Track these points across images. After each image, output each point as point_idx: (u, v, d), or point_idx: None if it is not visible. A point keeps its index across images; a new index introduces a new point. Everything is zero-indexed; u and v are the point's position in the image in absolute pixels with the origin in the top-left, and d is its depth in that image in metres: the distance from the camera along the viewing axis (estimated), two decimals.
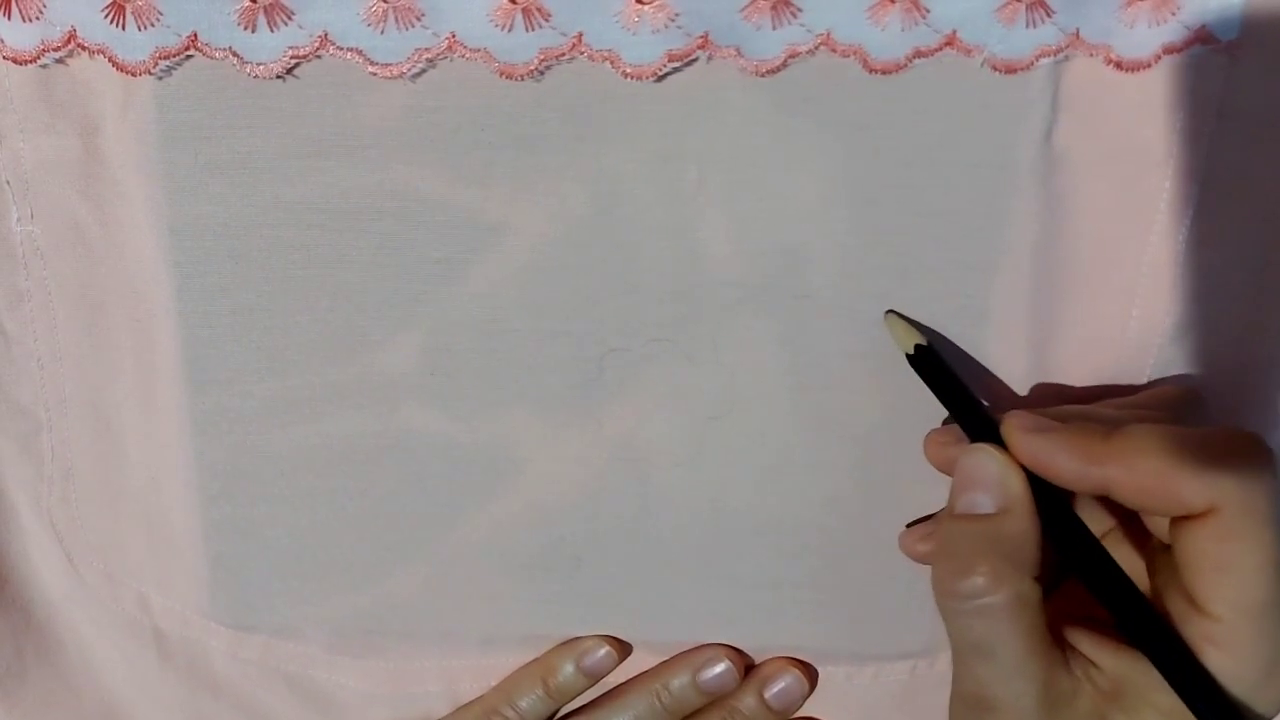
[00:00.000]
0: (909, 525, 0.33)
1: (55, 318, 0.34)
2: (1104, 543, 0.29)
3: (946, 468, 0.31)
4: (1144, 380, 0.32)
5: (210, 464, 0.34)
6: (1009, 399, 0.32)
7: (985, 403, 0.31)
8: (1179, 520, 0.26)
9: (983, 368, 0.32)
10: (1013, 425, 0.28)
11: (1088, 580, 0.28)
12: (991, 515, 0.28)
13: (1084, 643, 0.28)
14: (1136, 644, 0.27)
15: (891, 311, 0.31)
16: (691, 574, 0.35)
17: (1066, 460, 0.27)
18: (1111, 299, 0.31)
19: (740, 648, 0.37)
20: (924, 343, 0.30)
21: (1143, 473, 0.26)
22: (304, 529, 0.35)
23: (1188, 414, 0.30)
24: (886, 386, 0.32)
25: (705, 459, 0.33)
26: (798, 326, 0.32)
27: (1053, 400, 0.32)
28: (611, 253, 0.31)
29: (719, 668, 0.36)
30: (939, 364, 0.30)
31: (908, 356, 0.31)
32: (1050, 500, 0.28)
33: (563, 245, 0.31)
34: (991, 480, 0.28)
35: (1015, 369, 0.32)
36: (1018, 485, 0.28)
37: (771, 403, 0.33)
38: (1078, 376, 0.32)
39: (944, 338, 0.32)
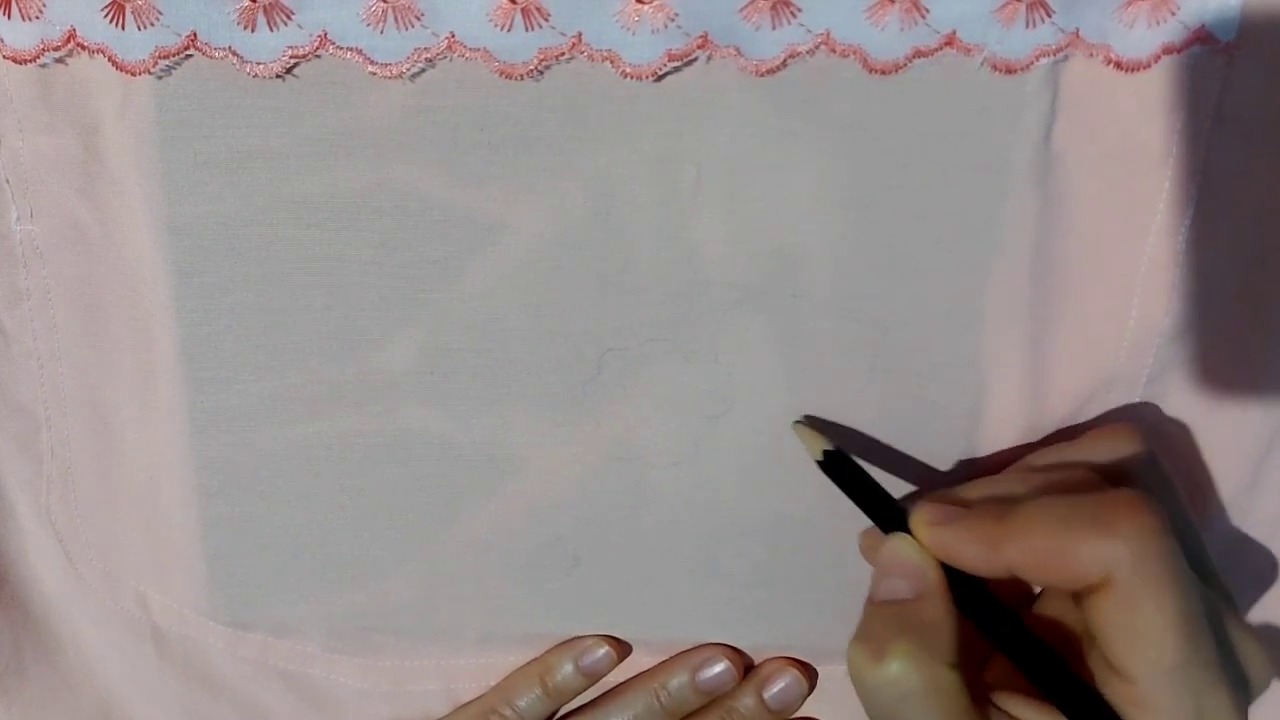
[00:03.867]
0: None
1: (54, 317, 0.34)
2: (1036, 609, 0.29)
3: (873, 560, 0.31)
4: (1142, 380, 0.32)
5: (209, 462, 0.34)
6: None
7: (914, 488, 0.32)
8: (1084, 591, 0.26)
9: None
10: (920, 520, 0.29)
11: (1011, 655, 0.28)
12: (908, 601, 0.29)
13: (1015, 707, 0.28)
14: (1065, 712, 0.27)
15: (799, 422, 0.32)
16: (689, 573, 0.35)
17: (970, 549, 0.28)
18: (1110, 299, 0.31)
19: (738, 647, 0.37)
20: (832, 448, 0.31)
21: (1036, 551, 0.26)
22: (302, 527, 0.35)
23: (1127, 455, 0.30)
24: (884, 386, 0.32)
25: (703, 458, 0.33)
26: (795, 326, 0.32)
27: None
28: (610, 252, 0.31)
29: (718, 667, 0.36)
30: (849, 466, 0.31)
31: (818, 463, 0.31)
32: (968, 581, 0.29)
33: (561, 245, 0.31)
34: (909, 567, 0.29)
35: (1013, 369, 0.32)
36: (933, 572, 0.29)
37: (769, 402, 0.33)
38: (1076, 377, 0.32)
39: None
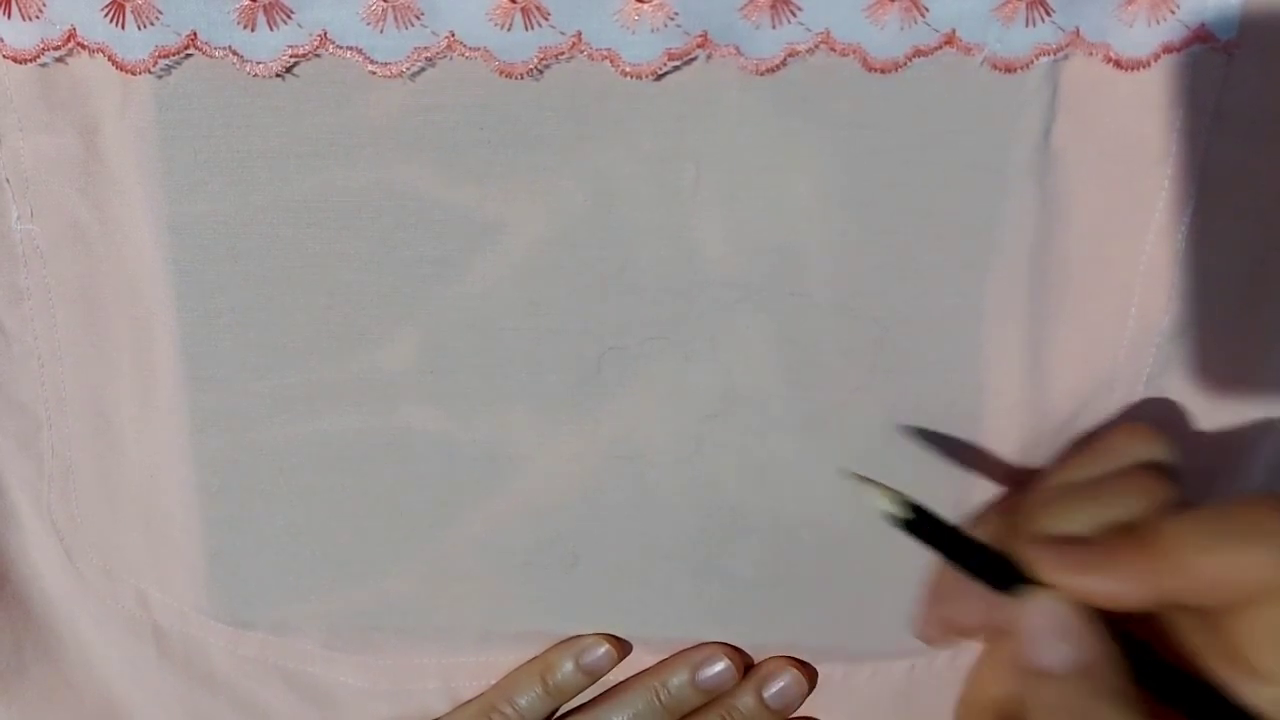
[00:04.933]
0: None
1: (55, 316, 0.34)
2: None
3: (973, 633, 0.29)
4: (1142, 379, 0.32)
5: (209, 461, 0.34)
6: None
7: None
8: (1235, 603, 0.26)
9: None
10: (1054, 566, 0.27)
11: (1152, 687, 0.27)
12: (1077, 669, 0.26)
13: None
14: None
15: (859, 475, 0.29)
16: (689, 572, 0.35)
17: (1125, 585, 0.26)
18: (1110, 298, 0.31)
19: (738, 646, 0.37)
20: (905, 509, 0.29)
21: (1200, 573, 0.25)
22: (302, 526, 0.35)
23: (1158, 453, 0.30)
24: (884, 385, 0.32)
25: (703, 457, 0.33)
26: (795, 325, 0.32)
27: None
28: (609, 251, 0.31)
29: (718, 666, 0.36)
30: (936, 523, 0.29)
31: (905, 522, 0.29)
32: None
33: (561, 244, 0.31)
34: (1059, 629, 0.27)
35: (1013, 368, 0.32)
36: (1091, 628, 0.27)
37: (769, 401, 0.33)
38: (1076, 375, 0.32)
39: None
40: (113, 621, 0.39)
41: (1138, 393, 0.32)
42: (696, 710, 0.37)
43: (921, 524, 0.29)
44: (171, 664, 0.39)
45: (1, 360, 0.35)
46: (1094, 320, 0.31)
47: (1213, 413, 0.33)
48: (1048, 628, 0.27)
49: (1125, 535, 0.27)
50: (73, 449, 0.36)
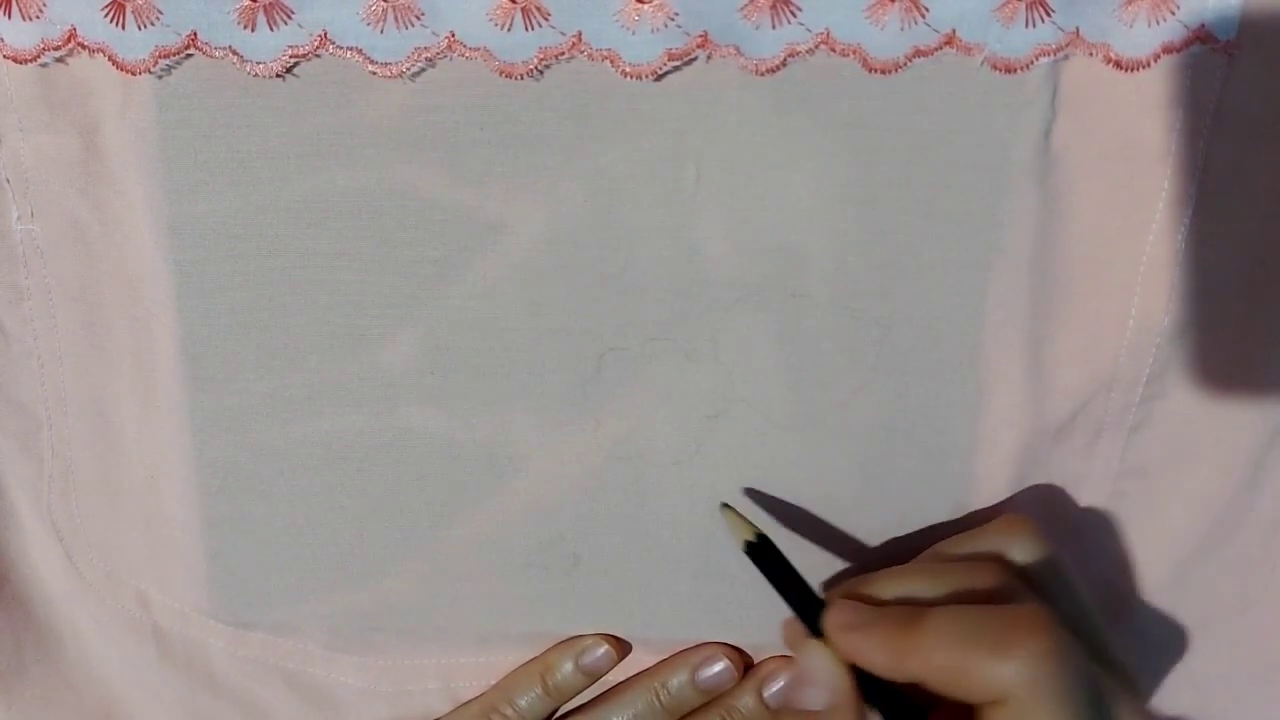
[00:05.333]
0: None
1: (55, 316, 0.34)
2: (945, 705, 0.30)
3: (793, 651, 0.32)
4: (1142, 379, 0.32)
5: (209, 461, 0.34)
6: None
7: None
8: (984, 705, 0.27)
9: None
10: (832, 624, 0.30)
11: None
12: (820, 714, 0.30)
13: None
14: None
15: (726, 505, 0.33)
16: (689, 572, 0.35)
17: (878, 657, 0.28)
18: (1110, 298, 0.31)
19: (738, 646, 0.37)
20: (754, 538, 0.32)
21: (938, 667, 0.27)
22: (303, 526, 0.35)
23: (1026, 550, 0.31)
24: (885, 385, 0.32)
25: (703, 457, 0.33)
26: (795, 325, 0.32)
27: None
28: (610, 251, 0.31)
29: (717, 666, 0.36)
30: (774, 555, 0.32)
31: (745, 546, 0.32)
32: (884, 685, 0.29)
33: (561, 244, 0.31)
34: (822, 678, 0.30)
35: (1014, 368, 0.32)
36: (843, 684, 0.30)
37: (769, 401, 0.33)
38: (1076, 375, 0.32)
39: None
40: (113, 622, 0.39)
41: (1137, 393, 0.32)
42: (696, 710, 0.37)
43: (764, 557, 0.32)
44: (172, 664, 0.39)
45: (2, 360, 0.35)
46: (1094, 320, 0.31)
47: (1212, 412, 0.33)
48: (810, 673, 0.30)
49: (902, 612, 0.29)
50: (73, 449, 0.36)
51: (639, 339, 0.32)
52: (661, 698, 0.37)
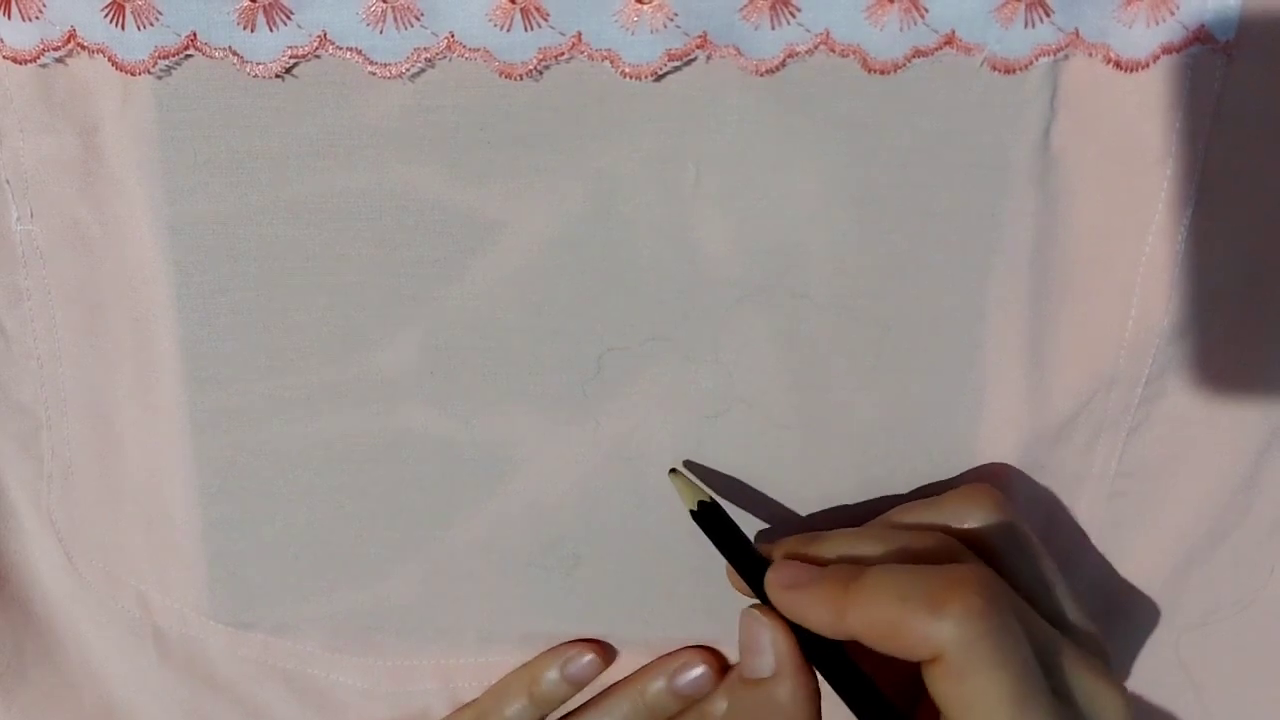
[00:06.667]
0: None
1: (55, 317, 0.34)
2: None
3: (746, 595, 0.32)
4: (1142, 379, 0.32)
5: (209, 462, 0.34)
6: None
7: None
8: (922, 663, 0.27)
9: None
10: (772, 581, 0.30)
11: (861, 718, 0.29)
12: (767, 680, 0.30)
13: None
14: None
15: (674, 470, 0.33)
16: (689, 572, 0.35)
17: (817, 614, 0.29)
18: (1110, 299, 0.31)
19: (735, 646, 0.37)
20: (707, 499, 0.32)
21: (874, 624, 0.27)
22: (303, 527, 0.35)
23: (982, 516, 0.31)
24: (885, 384, 0.32)
25: (704, 457, 0.33)
26: (795, 325, 0.32)
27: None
28: (610, 252, 0.31)
29: (695, 672, 0.36)
30: (721, 519, 0.32)
31: (691, 513, 0.32)
32: (827, 645, 0.30)
33: (561, 244, 0.31)
34: (764, 644, 0.30)
35: (1013, 368, 0.32)
36: (785, 646, 0.30)
37: (769, 401, 0.33)
38: (1076, 376, 0.32)
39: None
40: (113, 623, 0.39)
41: (1137, 393, 0.32)
42: (677, 715, 0.37)
43: (712, 522, 0.32)
44: (172, 665, 0.39)
45: (1, 361, 0.35)
46: (1094, 320, 0.31)
47: (1212, 413, 0.33)
48: (750, 641, 0.30)
49: (842, 570, 0.29)
50: (73, 450, 0.36)
51: (639, 339, 0.32)
52: (640, 705, 0.37)
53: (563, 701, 0.37)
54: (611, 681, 0.38)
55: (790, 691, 0.30)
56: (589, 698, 0.38)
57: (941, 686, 0.26)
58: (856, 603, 0.28)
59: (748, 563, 0.31)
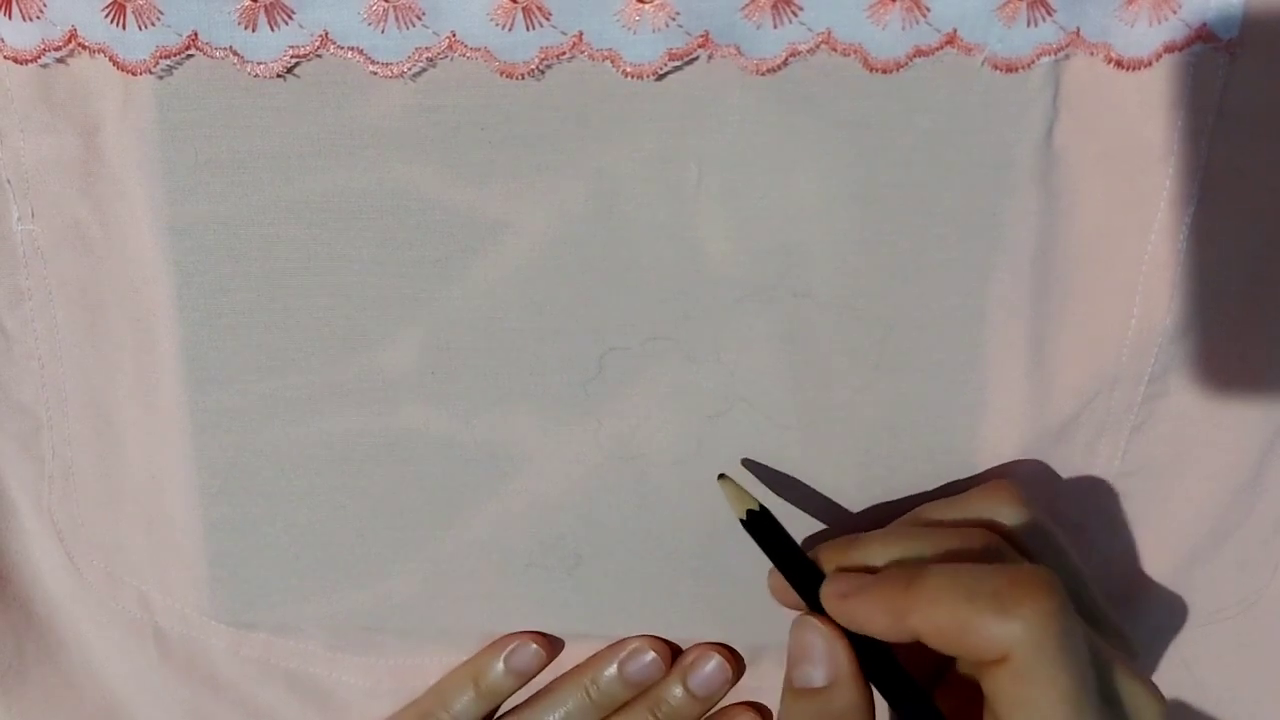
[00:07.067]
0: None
1: (55, 317, 0.34)
2: (949, 676, 0.30)
3: (789, 605, 0.32)
4: (1144, 379, 0.32)
5: (210, 462, 0.34)
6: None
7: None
8: (984, 662, 0.27)
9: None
10: (828, 593, 0.29)
11: None
12: (822, 690, 0.30)
13: None
14: None
15: (724, 476, 0.32)
16: (689, 572, 0.35)
17: (877, 618, 0.28)
18: (1112, 298, 0.31)
19: (737, 646, 0.37)
20: (757, 508, 0.31)
21: (940, 625, 0.27)
22: (304, 527, 0.35)
23: (1011, 513, 0.31)
24: (887, 384, 0.32)
25: (704, 457, 0.33)
26: (797, 325, 0.32)
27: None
28: (611, 251, 0.31)
29: (644, 659, 0.36)
30: (772, 526, 0.31)
31: (741, 521, 0.32)
32: (879, 654, 0.29)
33: (563, 244, 0.31)
34: (819, 654, 0.30)
35: (1015, 367, 0.32)
36: (843, 655, 0.30)
37: (771, 401, 0.33)
38: (1078, 375, 0.32)
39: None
40: (114, 623, 0.39)
41: (1139, 392, 0.32)
42: (627, 704, 0.37)
43: (763, 529, 0.31)
44: (173, 665, 0.39)
45: (2, 361, 0.35)
46: (1096, 319, 0.31)
47: (1214, 412, 0.33)
48: (802, 651, 0.30)
49: (901, 572, 0.28)
50: (74, 450, 0.36)
51: (640, 339, 0.32)
52: (591, 693, 0.37)
53: (510, 693, 0.37)
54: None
55: (848, 702, 0.29)
56: (539, 688, 0.38)
57: (1002, 686, 0.26)
58: (919, 605, 0.27)
59: (799, 571, 0.31)
